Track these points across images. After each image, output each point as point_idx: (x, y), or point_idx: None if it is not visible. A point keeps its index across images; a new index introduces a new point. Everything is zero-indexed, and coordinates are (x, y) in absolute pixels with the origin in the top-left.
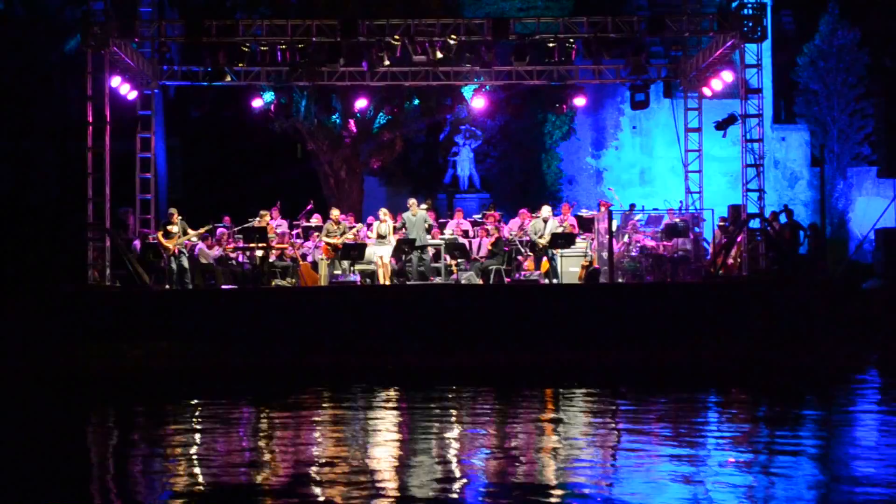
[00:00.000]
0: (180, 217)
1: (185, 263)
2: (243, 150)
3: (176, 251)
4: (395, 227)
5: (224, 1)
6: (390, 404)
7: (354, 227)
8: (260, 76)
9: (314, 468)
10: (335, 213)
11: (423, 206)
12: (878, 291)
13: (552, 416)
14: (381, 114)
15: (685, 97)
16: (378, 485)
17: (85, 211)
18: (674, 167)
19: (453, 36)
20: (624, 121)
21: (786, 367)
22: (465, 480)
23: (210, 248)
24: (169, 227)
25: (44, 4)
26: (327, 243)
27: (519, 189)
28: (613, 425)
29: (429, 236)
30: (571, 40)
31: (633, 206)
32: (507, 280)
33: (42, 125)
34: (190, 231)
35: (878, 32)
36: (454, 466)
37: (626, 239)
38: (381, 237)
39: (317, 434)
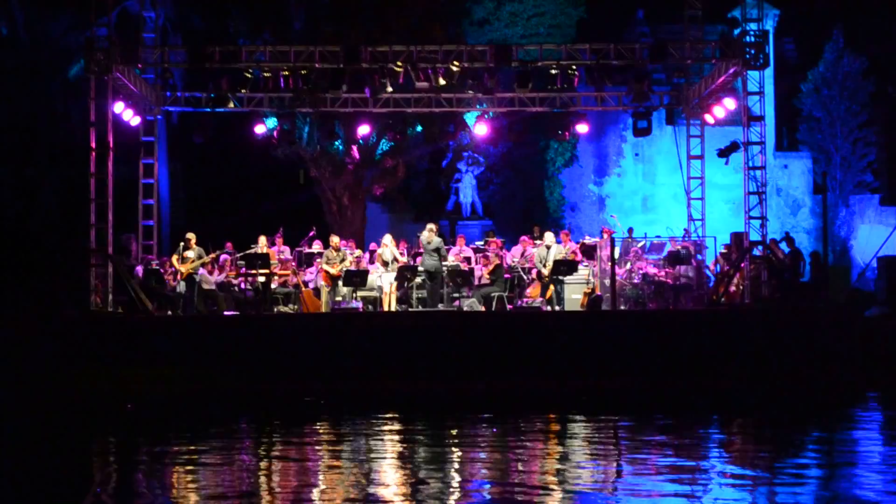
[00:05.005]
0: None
1: (191, 288)
2: (246, 176)
3: (186, 275)
4: (400, 253)
5: (227, 27)
6: (392, 432)
7: (354, 253)
8: (263, 102)
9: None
10: (335, 240)
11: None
12: (880, 319)
13: (554, 442)
14: (383, 140)
15: (687, 124)
16: None
17: (87, 237)
18: (676, 194)
19: (456, 63)
20: (626, 148)
21: (788, 395)
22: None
23: (212, 273)
24: (185, 253)
25: (47, 30)
26: (326, 271)
27: (521, 216)
28: (615, 452)
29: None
30: (574, 67)
31: (630, 229)
32: (509, 307)
33: (45, 151)
34: (205, 257)
35: (884, 61)
36: (458, 491)
37: (628, 266)
38: (385, 264)
39: (321, 462)
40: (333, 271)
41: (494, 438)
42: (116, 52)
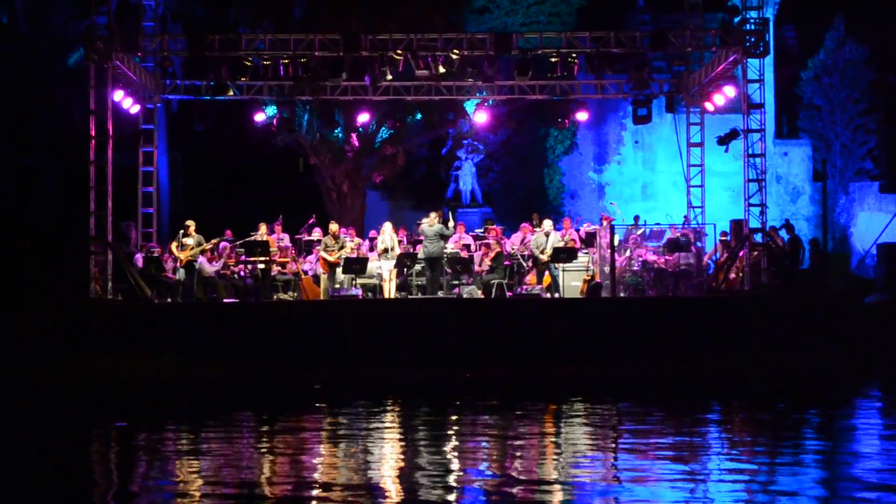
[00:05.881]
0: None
1: (191, 276)
2: (246, 164)
3: (185, 262)
4: (400, 241)
5: (227, 15)
6: (390, 419)
7: (353, 240)
8: (262, 90)
9: (317, 485)
10: (334, 227)
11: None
12: (879, 306)
13: (553, 429)
14: (383, 128)
15: (687, 112)
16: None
17: (87, 224)
18: (676, 182)
19: (456, 51)
20: (626, 135)
21: (787, 382)
22: (467, 492)
23: (211, 261)
24: (184, 240)
25: (47, 19)
26: (324, 258)
27: (521, 203)
28: (614, 439)
29: (442, 246)
30: (574, 55)
31: (637, 217)
32: (508, 294)
33: (45, 139)
34: (205, 244)
35: (885, 49)
36: (456, 479)
37: (627, 253)
38: (384, 251)
39: (319, 451)
40: (331, 259)
41: (493, 426)
42: (116, 40)
